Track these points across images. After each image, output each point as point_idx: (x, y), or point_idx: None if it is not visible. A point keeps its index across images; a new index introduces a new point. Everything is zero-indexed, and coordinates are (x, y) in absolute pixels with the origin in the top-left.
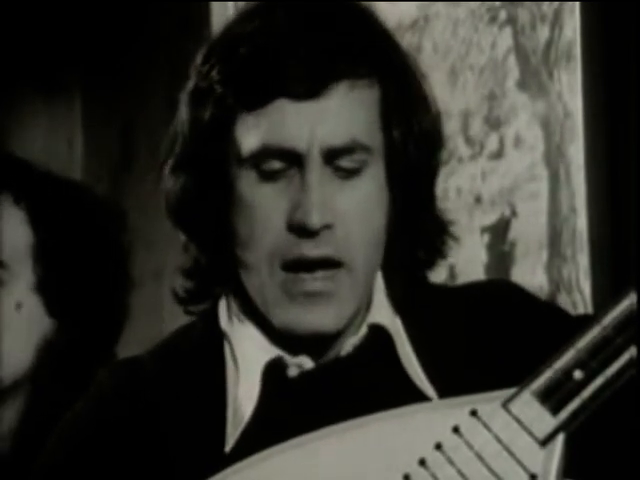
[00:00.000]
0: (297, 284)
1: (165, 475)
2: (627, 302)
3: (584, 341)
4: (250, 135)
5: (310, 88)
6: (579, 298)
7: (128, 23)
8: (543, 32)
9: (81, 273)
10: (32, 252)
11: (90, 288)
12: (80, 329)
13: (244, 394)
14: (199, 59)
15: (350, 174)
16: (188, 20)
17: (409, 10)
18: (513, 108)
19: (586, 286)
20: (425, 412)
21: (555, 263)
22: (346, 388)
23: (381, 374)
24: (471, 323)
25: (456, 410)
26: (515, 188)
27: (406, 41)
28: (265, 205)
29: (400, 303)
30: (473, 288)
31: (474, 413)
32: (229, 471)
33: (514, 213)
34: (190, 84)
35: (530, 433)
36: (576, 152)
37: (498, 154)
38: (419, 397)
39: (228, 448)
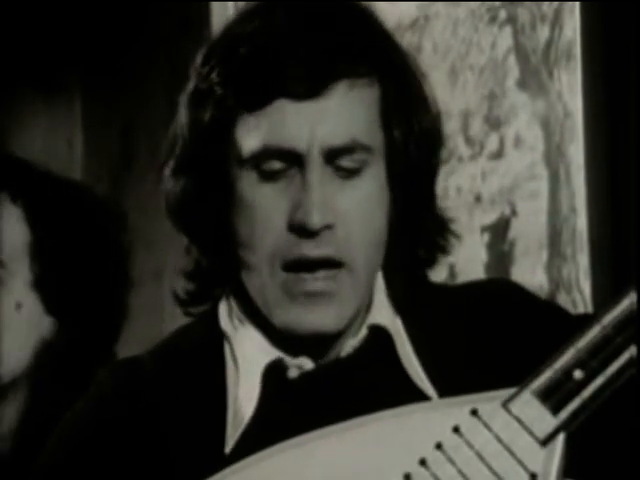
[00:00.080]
0: (298, 284)
1: (165, 475)
2: (627, 302)
3: (584, 340)
4: (250, 136)
5: (310, 88)
6: (579, 298)
7: (128, 23)
8: (543, 32)
9: (79, 271)
10: (29, 250)
11: (88, 286)
12: (79, 328)
13: (244, 395)
14: (199, 60)
15: (350, 174)
16: (188, 20)
17: (409, 10)
18: (513, 108)
19: (586, 286)
20: (425, 412)
21: (555, 263)
22: (346, 389)
23: (381, 375)
24: (471, 322)
25: (456, 410)
26: (515, 187)
27: (406, 41)
28: (266, 205)
29: (400, 303)
30: (473, 287)
31: (474, 413)
32: (228, 471)
33: (514, 212)
34: (190, 86)
35: (530, 433)
36: (576, 152)
37: (498, 154)
38: (420, 397)
39: (228, 449)
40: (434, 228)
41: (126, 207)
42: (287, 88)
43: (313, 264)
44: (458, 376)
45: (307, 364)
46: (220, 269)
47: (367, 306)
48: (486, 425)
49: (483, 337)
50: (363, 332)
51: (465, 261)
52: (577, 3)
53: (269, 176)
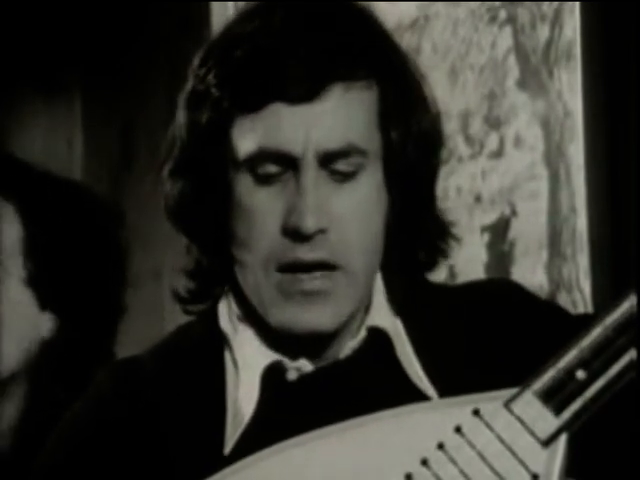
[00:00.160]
0: (294, 283)
1: (164, 475)
2: (627, 304)
3: (587, 340)
4: (246, 138)
5: (308, 89)
6: (579, 298)
7: (128, 23)
8: (543, 32)
9: (73, 268)
10: (22, 247)
11: (83, 283)
12: (75, 325)
13: (243, 397)
14: (196, 62)
15: (346, 177)
16: (188, 20)
17: (409, 10)
18: (513, 108)
19: (586, 286)
20: (427, 411)
21: (555, 263)
22: (346, 391)
23: (381, 377)
24: (471, 322)
25: (458, 410)
26: (515, 187)
27: (406, 41)
28: (261, 209)
29: (400, 304)
30: (473, 287)
31: (476, 413)
32: (227, 471)
33: (514, 212)
34: (188, 86)
35: (532, 433)
36: (576, 152)
37: (498, 153)
38: (419, 399)
39: (227, 450)
40: (434, 231)
41: (126, 207)
42: (284, 90)
43: (308, 267)
44: (458, 376)
45: (306, 366)
46: (220, 268)
47: (366, 308)
48: (488, 425)
49: (483, 337)
50: (362, 334)
51: (465, 261)
52: (577, 3)
53: (264, 180)
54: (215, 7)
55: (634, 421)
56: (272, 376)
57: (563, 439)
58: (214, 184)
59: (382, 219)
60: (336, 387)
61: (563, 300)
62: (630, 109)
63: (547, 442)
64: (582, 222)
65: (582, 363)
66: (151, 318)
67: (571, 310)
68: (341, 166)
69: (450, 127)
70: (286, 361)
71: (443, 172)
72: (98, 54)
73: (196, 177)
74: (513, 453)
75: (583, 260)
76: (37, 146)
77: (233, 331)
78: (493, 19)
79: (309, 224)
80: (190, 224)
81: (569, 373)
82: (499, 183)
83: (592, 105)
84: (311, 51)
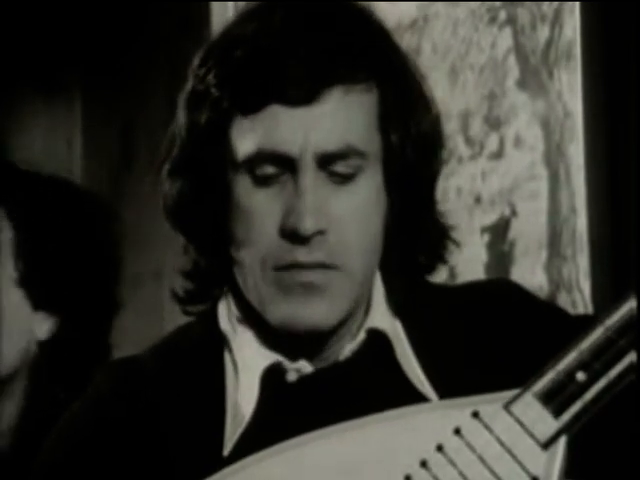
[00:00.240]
0: (293, 276)
1: (163, 475)
2: (627, 307)
3: (587, 342)
4: (245, 139)
5: (308, 90)
6: (579, 298)
7: (128, 23)
8: (543, 32)
9: (65, 268)
10: (13, 248)
11: (76, 282)
12: (71, 324)
13: (243, 398)
14: (196, 62)
15: (345, 179)
16: (188, 20)
17: (409, 10)
18: (513, 108)
19: (586, 286)
20: (426, 413)
21: (555, 263)
22: (345, 393)
23: (380, 379)
24: (471, 323)
25: (458, 411)
26: (515, 188)
27: (405, 41)
28: (260, 210)
29: (400, 305)
30: (473, 288)
31: (476, 414)
32: (227, 471)
33: (514, 213)
34: (187, 87)
35: (532, 435)
36: (576, 152)
37: (498, 154)
38: (419, 400)
39: (226, 451)
40: (434, 233)
41: (126, 207)
42: (284, 92)
43: (306, 269)
44: (458, 377)
45: (306, 367)
46: (218, 269)
47: (365, 309)
48: (487, 427)
49: (483, 338)
50: (361, 336)
51: (465, 261)
52: (577, 3)
53: (263, 181)
54: (215, 7)
55: (634, 423)
56: (272, 377)
57: (563, 441)
58: (213, 184)
59: (381, 221)
60: (336, 388)
61: (563, 300)
62: (630, 109)
63: (547, 444)
64: (582, 222)
65: (582, 365)
66: (151, 318)
67: (571, 310)
68: (340, 168)
69: (450, 127)
70: (286, 362)
71: (443, 173)
72: (98, 54)
73: (195, 177)
74: (512, 455)
75: (583, 260)
76: (37, 146)
77: (233, 332)
78: (493, 19)
79: (307, 225)
80: (188, 224)
81: (569, 375)
82: (499, 183)
83: (592, 105)
84: (311, 51)
